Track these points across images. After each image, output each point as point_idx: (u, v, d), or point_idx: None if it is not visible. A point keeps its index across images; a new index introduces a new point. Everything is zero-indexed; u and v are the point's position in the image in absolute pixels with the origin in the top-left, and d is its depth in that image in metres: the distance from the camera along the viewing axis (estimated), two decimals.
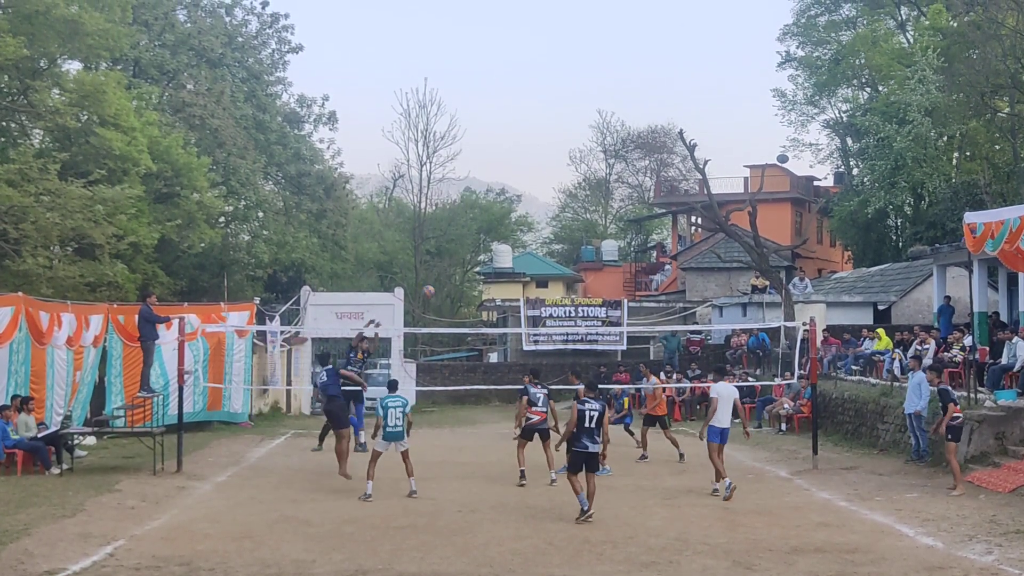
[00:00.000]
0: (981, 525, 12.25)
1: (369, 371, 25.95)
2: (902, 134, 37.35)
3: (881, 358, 23.92)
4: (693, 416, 27.11)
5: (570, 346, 34.31)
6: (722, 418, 15.16)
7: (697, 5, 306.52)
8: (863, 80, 45.58)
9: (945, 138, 40.36)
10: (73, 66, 30.11)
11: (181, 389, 18.26)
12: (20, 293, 19.51)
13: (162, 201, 30.96)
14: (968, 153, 41.33)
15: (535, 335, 34.07)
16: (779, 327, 28.37)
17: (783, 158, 50.02)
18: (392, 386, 15.34)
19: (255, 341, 28.20)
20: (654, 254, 62.73)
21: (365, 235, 56.93)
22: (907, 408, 17.63)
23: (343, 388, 17.17)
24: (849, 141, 46.42)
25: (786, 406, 24.11)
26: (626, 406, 22.94)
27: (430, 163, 55.02)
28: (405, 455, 14.88)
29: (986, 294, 23.54)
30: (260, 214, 40.08)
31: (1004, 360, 19.26)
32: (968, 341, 20.89)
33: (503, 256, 55.81)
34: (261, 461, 19.48)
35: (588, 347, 34.28)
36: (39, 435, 17.20)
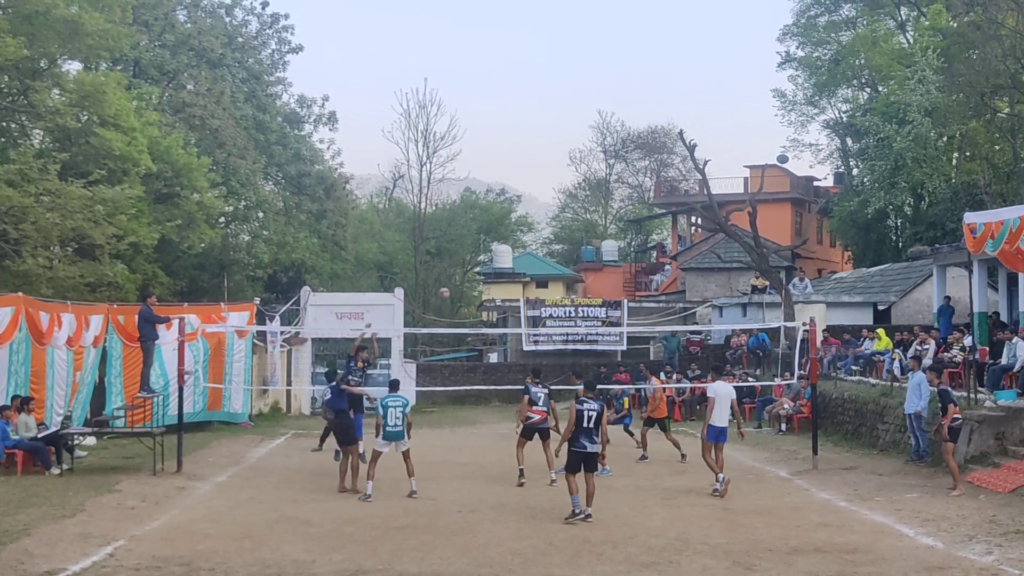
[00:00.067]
0: (981, 525, 12.25)
1: (370, 371, 25.95)
2: (902, 134, 37.36)
3: (881, 358, 23.92)
4: (693, 416, 27.11)
5: (570, 346, 34.29)
6: (719, 417, 15.23)
7: (697, 5, 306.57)
8: (863, 80, 45.59)
9: (945, 138, 40.37)
10: (73, 66, 30.16)
11: (181, 389, 18.27)
12: (20, 293, 19.52)
13: (162, 201, 30.97)
14: (968, 153, 41.33)
15: (535, 335, 34.05)
16: (779, 327, 28.38)
17: (783, 158, 50.04)
18: (393, 386, 15.36)
19: (255, 341, 28.20)
20: (654, 254, 62.73)
21: (365, 235, 56.93)
22: (907, 408, 17.63)
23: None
24: (849, 141, 46.44)
25: (786, 406, 24.11)
26: (626, 406, 22.93)
27: (430, 163, 55.09)
28: (406, 455, 14.89)
29: (986, 294, 23.54)
30: (260, 214, 40.08)
31: (1004, 360, 19.25)
32: (968, 341, 20.89)
33: (503, 256, 55.80)
34: (261, 461, 19.48)
35: (588, 347, 34.26)
36: (39, 435, 17.21)
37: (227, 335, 25.60)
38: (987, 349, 20.75)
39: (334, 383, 16.23)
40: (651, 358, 34.45)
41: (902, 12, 47.01)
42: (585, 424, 12.93)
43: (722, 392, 15.54)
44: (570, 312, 34.73)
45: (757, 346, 30.07)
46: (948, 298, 25.57)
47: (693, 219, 52.58)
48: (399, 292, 34.47)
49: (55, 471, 16.61)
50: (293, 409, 31.47)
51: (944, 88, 37.10)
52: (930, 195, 38.51)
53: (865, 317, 32.83)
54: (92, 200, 24.12)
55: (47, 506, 13.44)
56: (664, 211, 59.08)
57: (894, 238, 43.24)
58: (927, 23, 41.96)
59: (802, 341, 22.79)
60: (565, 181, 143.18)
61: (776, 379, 26.46)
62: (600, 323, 34.39)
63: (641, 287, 55.10)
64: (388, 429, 14.69)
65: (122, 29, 28.40)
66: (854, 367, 24.97)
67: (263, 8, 43.63)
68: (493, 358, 40.34)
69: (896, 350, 23.28)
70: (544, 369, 22.34)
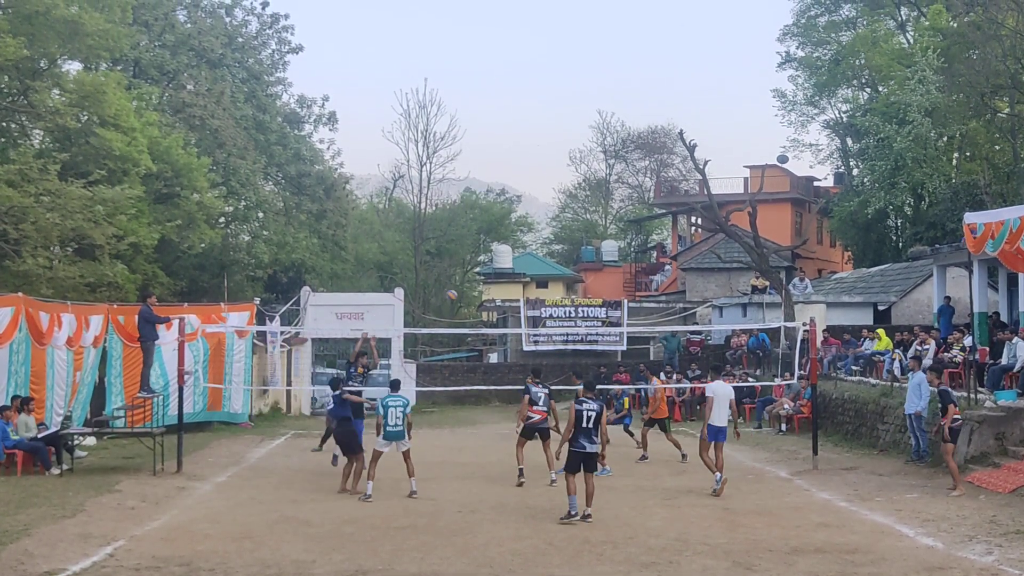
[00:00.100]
0: (981, 525, 12.25)
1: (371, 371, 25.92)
2: (902, 134, 37.35)
3: (881, 358, 23.92)
4: (693, 416, 27.11)
5: (570, 346, 34.29)
6: (718, 417, 15.26)
7: (697, 5, 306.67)
8: (863, 80, 45.58)
9: (945, 138, 40.37)
10: (73, 66, 30.14)
11: (181, 389, 18.26)
12: (20, 293, 19.51)
13: (162, 201, 30.97)
14: (968, 153, 41.33)
15: (535, 335, 34.04)
16: (779, 327, 28.37)
17: (783, 158, 50.03)
18: (394, 386, 15.39)
19: (255, 341, 28.20)
20: (654, 254, 62.72)
21: (365, 235, 56.93)
22: (907, 409, 17.63)
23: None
24: (849, 141, 46.43)
25: (786, 406, 24.11)
26: (626, 406, 22.92)
27: (430, 163, 55.10)
28: (406, 455, 14.89)
29: (986, 294, 23.54)
30: (260, 214, 40.08)
31: (1004, 360, 19.25)
32: (968, 341, 20.89)
33: (503, 256, 55.80)
34: (261, 461, 19.48)
35: (588, 347, 34.25)
36: (39, 435, 17.20)
37: (227, 335, 25.60)
38: (987, 349, 20.75)
39: (337, 392, 16.12)
40: (651, 358, 34.46)
41: (902, 12, 47.01)
42: (584, 424, 12.93)
43: (720, 392, 15.58)
44: (570, 312, 34.73)
45: (757, 346, 30.07)
46: (948, 298, 25.57)
47: (693, 219, 52.57)
48: (399, 292, 34.48)
49: (55, 471, 16.61)
50: (293, 409, 31.47)
51: (944, 88, 37.10)
52: (930, 195, 38.50)
53: (865, 317, 32.83)
54: (92, 200, 24.12)
55: (47, 506, 13.43)
56: (664, 211, 59.07)
57: (894, 238, 43.24)
58: (927, 23, 41.95)
59: (802, 341, 22.78)
60: (565, 181, 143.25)
61: (776, 379, 26.45)
62: (600, 323, 34.38)
63: (641, 287, 55.10)
64: (388, 429, 14.69)
65: (122, 29, 28.39)
66: (854, 367, 24.96)
67: (263, 8, 43.67)
68: (493, 358, 40.35)
69: (896, 350, 23.28)
70: (544, 369, 22.35)
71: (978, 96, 34.85)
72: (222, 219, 37.50)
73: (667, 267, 55.35)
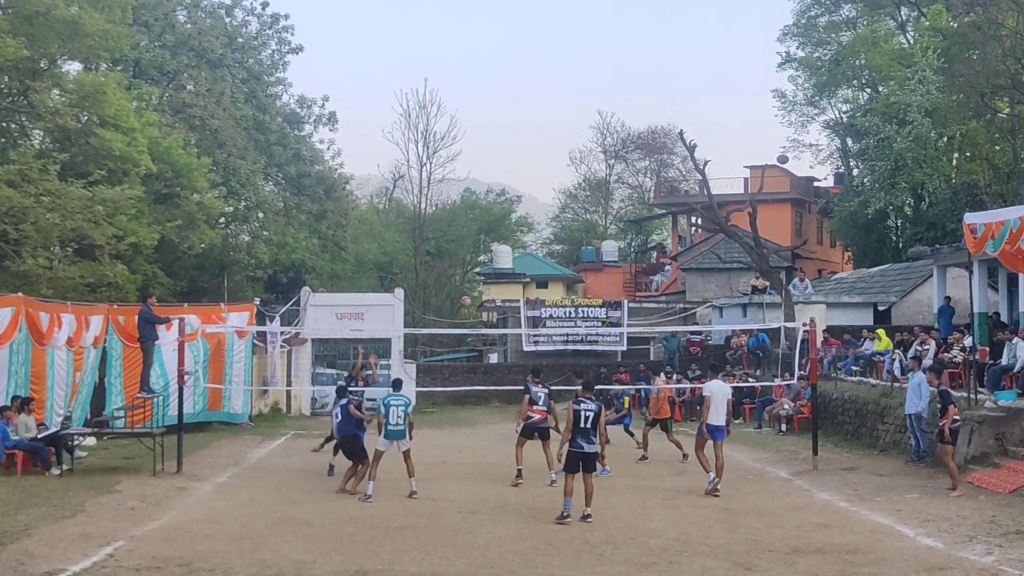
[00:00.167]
0: (981, 526, 12.24)
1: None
2: (902, 135, 37.34)
3: (881, 359, 23.92)
4: (693, 416, 27.09)
5: (570, 347, 34.30)
6: (715, 416, 15.29)
7: (698, 6, 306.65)
8: (863, 81, 45.58)
9: (945, 139, 40.35)
10: (73, 67, 30.14)
11: (181, 390, 18.25)
12: (20, 294, 19.52)
13: (162, 202, 30.97)
14: (968, 154, 41.32)
15: (535, 336, 34.05)
16: (779, 328, 28.35)
17: (783, 159, 50.04)
18: (396, 385, 15.41)
19: (255, 342, 28.20)
20: (654, 255, 62.71)
21: (365, 236, 56.92)
22: (907, 409, 17.62)
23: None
24: (849, 142, 46.43)
25: (786, 407, 24.10)
26: (626, 406, 22.91)
27: (430, 164, 55.05)
28: (407, 455, 14.89)
29: (986, 295, 23.54)
30: (260, 215, 40.08)
31: (1004, 361, 19.25)
32: (968, 342, 20.88)
33: (503, 257, 55.80)
34: (261, 462, 19.48)
35: (588, 348, 34.27)
36: (39, 436, 17.20)
37: (227, 335, 25.60)
38: (987, 349, 20.74)
39: (344, 401, 15.98)
40: (651, 358, 34.45)
41: (902, 12, 47.00)
42: (582, 424, 12.93)
43: (718, 391, 15.61)
44: (570, 312, 34.74)
45: (757, 346, 30.06)
46: (948, 298, 25.56)
47: (693, 219, 52.55)
48: (399, 292, 34.46)
49: (55, 471, 16.60)
50: (293, 409, 31.46)
51: (944, 88, 37.09)
52: (930, 195, 38.50)
53: (865, 317, 32.83)
54: (92, 200, 24.12)
55: (47, 506, 13.43)
56: (664, 211, 59.05)
57: (894, 238, 43.23)
58: (927, 23, 41.95)
59: (802, 341, 22.78)
60: (565, 181, 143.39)
61: (776, 379, 26.44)
62: (600, 323, 34.39)
63: (641, 287, 55.08)
64: (390, 428, 14.69)
65: (122, 29, 28.39)
66: (854, 367, 24.96)
67: (263, 8, 43.67)
68: (493, 358, 40.34)
69: (896, 350, 23.28)
70: (544, 369, 22.36)
71: (978, 96, 34.85)
72: (222, 219, 37.50)
73: (667, 267, 55.34)
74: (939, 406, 15.36)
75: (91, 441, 20.26)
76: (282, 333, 29.66)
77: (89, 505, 13.64)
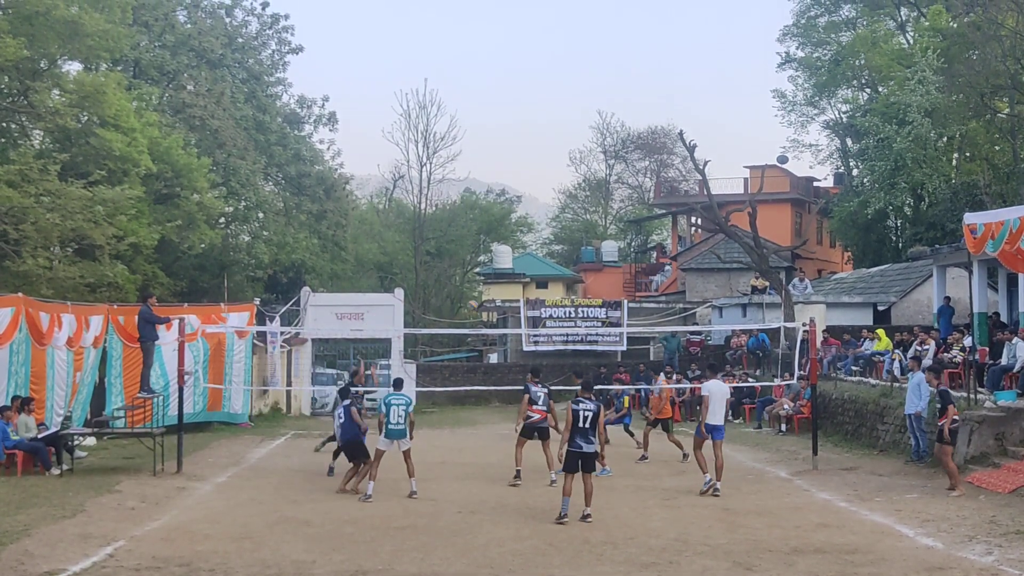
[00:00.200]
0: (981, 526, 12.25)
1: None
2: (902, 135, 37.35)
3: (881, 359, 23.93)
4: (692, 417, 27.09)
5: (570, 347, 34.31)
6: (714, 415, 15.32)
7: (698, 6, 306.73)
8: (863, 81, 45.58)
9: (945, 139, 40.36)
10: (73, 67, 30.14)
11: (181, 390, 18.25)
12: (20, 294, 19.52)
13: (162, 202, 30.97)
14: (968, 154, 41.32)
15: (535, 336, 34.06)
16: (779, 328, 28.35)
17: (783, 159, 50.04)
18: (397, 384, 15.42)
19: (255, 342, 28.20)
20: (654, 255, 62.71)
21: (365, 236, 56.91)
22: (907, 409, 17.63)
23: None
24: (849, 142, 46.43)
25: (786, 407, 24.11)
26: (626, 405, 22.91)
27: (430, 164, 55.03)
28: (407, 455, 14.90)
29: (986, 295, 23.54)
30: (260, 215, 40.07)
31: (1004, 361, 19.25)
32: (968, 342, 20.89)
33: (503, 257, 55.79)
34: (261, 462, 19.48)
35: (588, 348, 34.28)
36: (39, 436, 17.20)
37: (227, 336, 25.61)
38: (987, 349, 20.74)
39: (348, 402, 15.94)
40: (651, 359, 34.46)
41: (902, 13, 47.00)
42: (580, 424, 12.93)
43: (716, 391, 15.64)
44: (570, 312, 34.74)
45: (757, 346, 30.07)
46: (948, 298, 25.57)
47: (693, 219, 52.56)
48: (399, 292, 34.45)
49: (55, 471, 16.60)
50: (293, 409, 31.46)
51: (944, 89, 37.09)
52: (930, 196, 38.50)
53: (865, 318, 32.84)
54: (92, 201, 24.12)
55: (47, 507, 13.43)
56: (664, 211, 59.05)
57: (894, 239, 43.23)
58: (927, 24, 41.95)
59: (802, 342, 22.79)
60: (565, 181, 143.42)
61: (776, 379, 26.45)
62: (600, 323, 34.40)
63: (641, 288, 55.08)
64: (390, 427, 14.70)
65: (122, 30, 28.39)
66: (854, 368, 24.97)
67: (263, 9, 43.66)
68: (493, 359, 40.34)
69: (896, 351, 23.28)
70: (544, 369, 22.36)
71: (978, 96, 34.85)
72: (222, 219, 37.50)
73: (667, 267, 55.34)
74: (938, 406, 15.37)
75: (91, 441, 20.26)
76: (282, 333, 29.66)
77: (89, 505, 13.65)
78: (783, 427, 23.80)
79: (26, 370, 18.95)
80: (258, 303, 30.83)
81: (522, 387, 17.16)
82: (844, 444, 20.82)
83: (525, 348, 34.67)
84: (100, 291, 25.42)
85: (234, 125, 36.79)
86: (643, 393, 27.39)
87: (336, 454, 16.81)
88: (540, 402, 16.47)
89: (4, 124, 28.16)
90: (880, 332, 25.42)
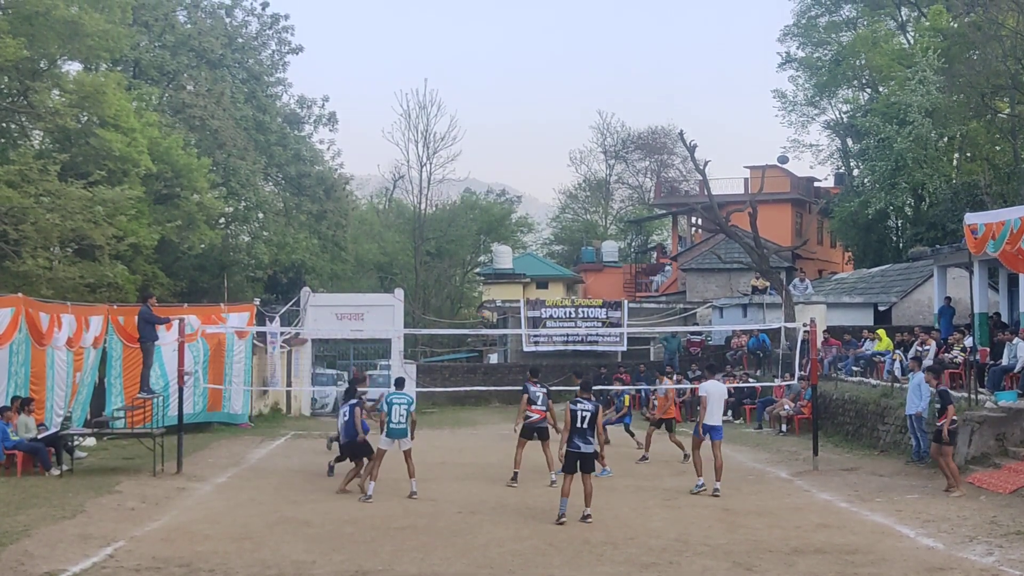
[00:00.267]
0: (981, 526, 12.24)
1: (369, 372, 25.83)
2: (902, 135, 37.34)
3: (882, 359, 23.91)
4: (692, 417, 27.06)
5: (570, 347, 34.30)
6: (712, 416, 15.34)
7: (698, 6, 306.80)
8: (863, 81, 45.57)
9: (945, 139, 40.35)
10: (73, 67, 30.13)
11: (181, 390, 18.25)
12: (20, 294, 19.51)
13: (162, 202, 30.96)
14: (968, 154, 41.32)
15: (535, 336, 34.04)
16: (779, 328, 28.33)
17: (783, 159, 50.02)
18: (399, 383, 15.41)
19: (255, 342, 28.19)
20: (654, 255, 62.71)
21: (365, 236, 56.89)
22: (908, 409, 17.61)
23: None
24: (849, 142, 46.42)
25: (786, 407, 24.10)
26: (626, 404, 22.90)
27: (430, 164, 54.98)
28: (408, 454, 14.90)
29: (987, 295, 23.53)
30: (260, 215, 40.06)
31: (1005, 361, 19.24)
32: (969, 342, 20.87)
33: (503, 257, 55.77)
34: (261, 462, 19.47)
35: (588, 348, 34.27)
36: (39, 436, 17.20)
37: (227, 336, 25.60)
38: (988, 350, 20.73)
39: (355, 401, 15.86)
40: (651, 359, 34.44)
41: (902, 13, 47.00)
42: (579, 424, 12.92)
43: (714, 391, 15.65)
44: (570, 313, 34.73)
45: (757, 347, 30.05)
46: (949, 299, 25.56)
47: (693, 220, 52.56)
48: (399, 293, 34.43)
49: (55, 472, 16.60)
50: (293, 410, 31.44)
51: (945, 89, 37.09)
52: (931, 196, 38.50)
53: (866, 318, 32.82)
54: (92, 201, 24.11)
55: (47, 507, 13.42)
56: (664, 212, 59.04)
57: (895, 239, 43.22)
58: (927, 24, 41.95)
59: (802, 342, 22.78)
60: (565, 182, 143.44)
61: (776, 380, 26.43)
62: (600, 324, 34.38)
63: (641, 288, 55.06)
64: (392, 426, 14.70)
65: (122, 30, 28.38)
66: (855, 368, 24.95)
67: (263, 9, 43.62)
68: (493, 359, 40.33)
69: (897, 351, 23.27)
70: (544, 370, 22.37)
71: (978, 96, 34.85)
72: (222, 220, 37.48)
73: (667, 268, 55.34)
74: (938, 407, 15.36)
75: (91, 441, 20.26)
76: (282, 333, 29.65)
77: (89, 505, 13.64)
78: (783, 427, 23.79)
79: (26, 370, 18.94)
80: (258, 303, 30.81)
81: (521, 387, 17.14)
82: (845, 445, 20.81)
83: (525, 348, 34.66)
84: (100, 291, 25.41)
85: (234, 125, 36.78)
86: (643, 393, 27.40)
87: (341, 457, 16.74)
88: (539, 402, 16.48)
89: (4, 124, 28.16)
90: (881, 332, 25.41)
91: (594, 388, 15.09)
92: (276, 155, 41.08)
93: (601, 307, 35.15)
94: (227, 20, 42.28)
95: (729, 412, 25.47)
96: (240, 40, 42.49)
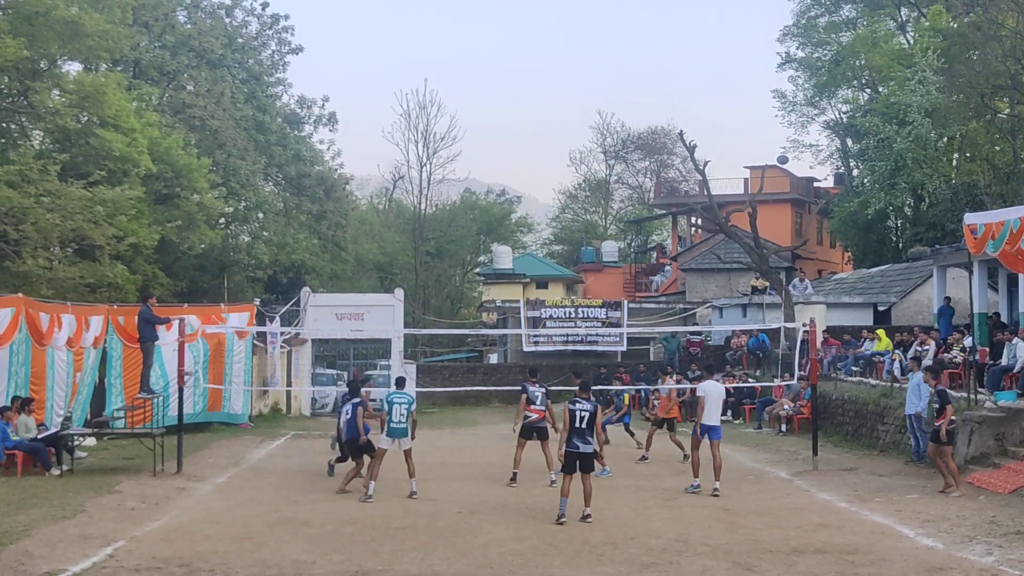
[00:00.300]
0: (981, 526, 12.24)
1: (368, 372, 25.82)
2: (902, 135, 37.34)
3: (881, 359, 23.92)
4: (692, 417, 27.06)
5: (570, 347, 34.31)
6: (710, 416, 15.36)
7: (698, 6, 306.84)
8: (863, 81, 45.56)
9: (945, 139, 40.34)
10: (73, 67, 30.15)
11: (181, 390, 18.25)
12: (20, 294, 19.52)
13: (162, 202, 30.97)
14: (968, 154, 41.31)
15: (535, 336, 34.05)
16: (779, 328, 28.34)
17: (783, 159, 50.01)
18: (400, 383, 15.42)
19: (255, 342, 28.19)
20: (654, 255, 62.69)
21: (365, 236, 56.91)
22: (907, 409, 17.61)
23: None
24: (849, 142, 46.41)
25: (786, 407, 24.10)
26: (626, 403, 22.90)
27: (430, 164, 55.03)
28: (408, 454, 14.91)
29: (986, 295, 23.53)
30: (260, 215, 40.07)
31: (1004, 361, 19.25)
32: (968, 342, 20.87)
33: (503, 257, 55.75)
34: (261, 462, 19.48)
35: (588, 348, 34.29)
36: (39, 436, 17.20)
37: (227, 336, 25.60)
38: (987, 350, 20.73)
39: (358, 400, 15.79)
40: (651, 359, 34.45)
41: (902, 13, 46.99)
42: (577, 424, 12.93)
43: (713, 391, 15.67)
44: (570, 313, 34.74)
45: (757, 347, 30.05)
46: (948, 299, 25.56)
47: (693, 220, 52.54)
48: (399, 293, 34.45)
49: (55, 472, 16.60)
50: (293, 410, 31.46)
51: (944, 89, 37.08)
52: (930, 196, 38.48)
53: (865, 318, 32.82)
54: (92, 201, 24.12)
55: (47, 507, 13.43)
56: (664, 212, 59.03)
57: (894, 239, 43.21)
58: (927, 24, 41.94)
59: (802, 342, 22.77)
60: (565, 182, 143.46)
61: (776, 380, 26.44)
62: (600, 324, 34.39)
63: (641, 288, 55.05)
64: (392, 425, 14.72)
65: (122, 30, 28.39)
66: (854, 368, 24.95)
67: (263, 9, 43.67)
68: (493, 359, 40.34)
69: (896, 351, 23.27)
70: (544, 370, 22.37)
71: (978, 97, 34.85)
72: (222, 220, 37.50)
73: (667, 268, 55.32)
74: (936, 406, 15.37)
75: (91, 441, 20.26)
76: (282, 333, 29.66)
77: (89, 505, 13.65)
78: (783, 427, 23.80)
79: (26, 370, 18.95)
80: (258, 303, 30.83)
81: (520, 387, 17.15)
82: (844, 444, 20.82)
83: (525, 348, 34.67)
84: (100, 291, 25.42)
85: (234, 125, 36.79)
86: (643, 393, 27.40)
87: (342, 457, 16.74)
88: (538, 402, 16.48)
89: (4, 124, 28.16)
90: (880, 332, 25.41)
91: (594, 388, 15.10)
92: (276, 155, 41.09)
93: (601, 307, 35.16)
94: (227, 20, 42.31)
95: (729, 412, 25.48)
96: (240, 40, 42.51)
